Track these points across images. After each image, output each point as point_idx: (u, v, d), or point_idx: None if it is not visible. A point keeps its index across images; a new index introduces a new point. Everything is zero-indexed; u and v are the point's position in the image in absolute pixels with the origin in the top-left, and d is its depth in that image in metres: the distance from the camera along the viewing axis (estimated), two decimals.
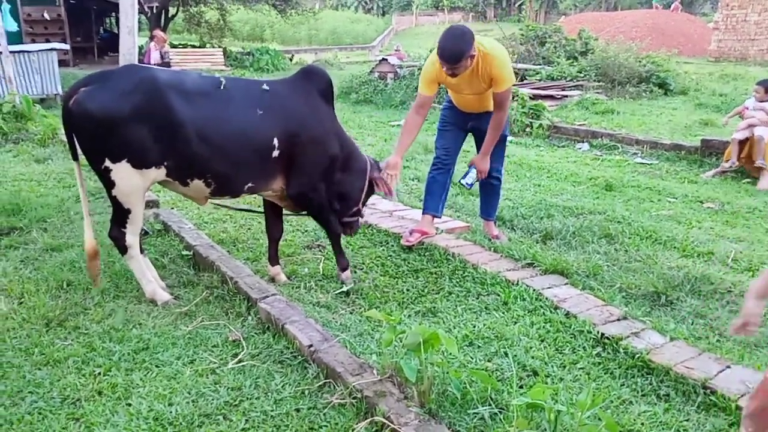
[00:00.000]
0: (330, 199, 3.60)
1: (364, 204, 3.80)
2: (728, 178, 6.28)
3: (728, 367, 2.72)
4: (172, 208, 4.78)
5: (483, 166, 4.04)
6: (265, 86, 3.31)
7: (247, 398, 2.45)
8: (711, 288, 3.53)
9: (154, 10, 20.95)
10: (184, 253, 3.84)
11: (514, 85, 10.95)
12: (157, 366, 2.67)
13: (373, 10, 50.41)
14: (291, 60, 21.92)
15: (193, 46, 21.57)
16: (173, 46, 20.14)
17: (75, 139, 3.02)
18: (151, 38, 15.57)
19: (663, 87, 11.58)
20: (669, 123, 8.87)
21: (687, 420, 2.43)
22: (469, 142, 4.35)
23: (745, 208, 5.19)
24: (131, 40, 4.21)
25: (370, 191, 3.81)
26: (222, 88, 3.17)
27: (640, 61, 11.89)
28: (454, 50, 3.50)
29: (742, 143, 6.25)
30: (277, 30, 34.55)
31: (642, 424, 2.40)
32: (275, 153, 3.23)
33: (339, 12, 44.12)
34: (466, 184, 4.11)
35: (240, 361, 2.71)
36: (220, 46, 21.02)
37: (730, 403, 2.47)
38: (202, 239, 3.90)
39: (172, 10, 22.10)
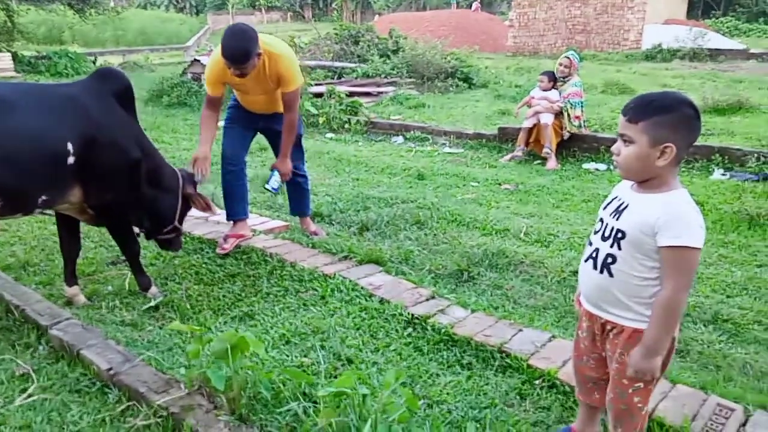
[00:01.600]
0: (139, 216, 3.38)
1: (181, 220, 3.62)
2: (522, 161, 6.95)
3: (520, 330, 3.00)
4: None
5: (285, 169, 4.01)
6: (55, 89, 3.01)
7: None
8: (506, 261, 3.89)
9: None
10: None
11: (331, 83, 11.21)
12: None
13: (186, 9, 48.22)
14: (94, 63, 20.13)
15: None
16: None
17: None
18: None
19: (467, 81, 12.49)
20: (473, 114, 9.60)
21: (486, 384, 2.64)
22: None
23: (536, 187, 5.79)
24: None
25: (186, 207, 3.63)
26: (2, 92, 2.84)
27: (445, 58, 12.70)
28: (240, 50, 3.43)
29: (530, 129, 6.95)
30: (78, 31, 31.52)
31: (447, 393, 2.57)
32: (70, 159, 2.94)
33: (148, 11, 41.54)
34: (272, 188, 4.07)
35: (29, 395, 2.44)
36: (9, 51, 18.73)
37: (522, 363, 2.72)
38: None
39: None
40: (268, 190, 4.11)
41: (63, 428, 2.26)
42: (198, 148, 3.77)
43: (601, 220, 1.94)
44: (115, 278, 3.68)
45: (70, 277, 3.33)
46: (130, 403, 2.36)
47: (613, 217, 1.88)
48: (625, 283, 1.84)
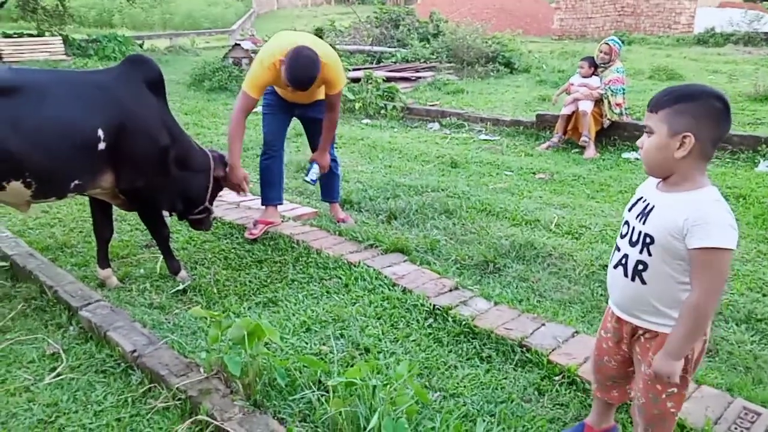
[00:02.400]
0: (170, 199, 3.46)
1: (211, 201, 3.70)
2: (560, 150, 6.80)
3: (543, 325, 2.96)
4: None
5: (324, 162, 4.10)
6: (88, 76, 3.10)
7: (64, 413, 2.31)
8: (534, 253, 3.83)
9: None
10: (0, 264, 3.52)
11: (369, 68, 11.17)
12: None
13: None
14: (141, 46, 20.58)
15: (30, 35, 19.63)
16: (6, 36, 18.26)
17: None
18: None
19: (508, 66, 12.27)
20: (512, 100, 9.43)
21: (505, 378, 2.62)
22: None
23: (571, 177, 5.66)
24: None
25: (217, 188, 3.70)
26: (35, 79, 2.94)
27: (486, 42, 12.49)
28: (307, 79, 3.52)
29: (569, 117, 6.79)
30: (127, 15, 32.25)
31: (465, 386, 2.56)
32: (101, 146, 3.03)
33: None
34: (311, 180, 4.17)
35: (58, 375, 2.55)
36: (60, 35, 19.30)
37: (542, 358, 2.69)
38: (20, 248, 3.60)
39: None
40: (307, 182, 4.21)
41: (87, 408, 2.34)
42: (232, 167, 3.67)
43: (627, 223, 1.86)
44: (148, 261, 3.78)
45: (103, 260, 3.44)
46: (152, 385, 2.43)
47: (640, 220, 1.79)
48: (659, 291, 1.76)
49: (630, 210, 1.87)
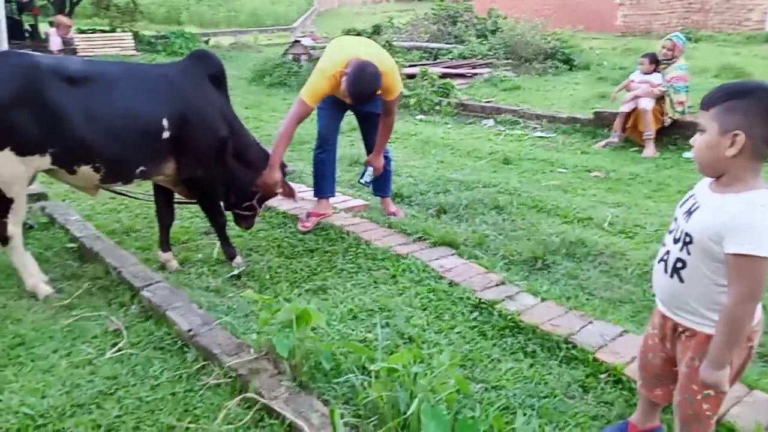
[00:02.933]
0: (228, 189, 3.61)
1: (260, 203, 3.81)
2: (617, 148, 6.65)
3: (590, 322, 2.93)
4: (63, 200, 4.63)
5: (378, 164, 4.19)
6: (155, 69, 3.28)
7: (123, 386, 2.45)
8: (585, 250, 3.78)
9: None
10: (69, 245, 3.75)
11: (425, 64, 11.18)
12: (32, 360, 2.62)
13: None
14: (207, 43, 21.22)
15: (103, 31, 20.56)
16: (81, 32, 19.18)
17: None
18: (54, 24, 14.79)
19: (568, 62, 12.03)
20: (570, 97, 9.26)
21: (549, 373, 2.61)
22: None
23: (628, 175, 5.54)
24: None
25: (270, 193, 3.83)
26: (106, 71, 3.14)
27: (545, 38, 12.28)
28: (369, 94, 3.62)
29: (628, 115, 6.62)
30: (195, 12, 33.39)
31: (507, 380, 2.56)
32: (165, 135, 3.21)
33: None
34: (365, 182, 4.27)
35: (119, 350, 2.70)
36: (131, 31, 20.14)
37: (588, 356, 2.67)
38: (88, 230, 3.82)
39: None
40: (362, 183, 4.32)
41: (144, 381, 2.48)
42: (271, 172, 3.68)
43: (676, 219, 1.84)
44: (206, 247, 3.94)
45: (164, 244, 3.62)
46: (205, 363, 2.56)
47: (685, 217, 1.77)
48: (696, 290, 1.74)
49: (681, 206, 1.85)
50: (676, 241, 1.78)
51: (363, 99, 3.65)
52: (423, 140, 7.04)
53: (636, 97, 6.53)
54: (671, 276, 1.79)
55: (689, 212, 1.76)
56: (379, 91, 3.79)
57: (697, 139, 1.74)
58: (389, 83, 3.77)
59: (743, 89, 1.65)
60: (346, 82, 3.58)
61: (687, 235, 1.73)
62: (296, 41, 13.01)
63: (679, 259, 1.76)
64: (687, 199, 1.84)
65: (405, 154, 6.40)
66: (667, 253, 1.82)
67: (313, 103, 3.76)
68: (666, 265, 1.81)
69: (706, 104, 1.69)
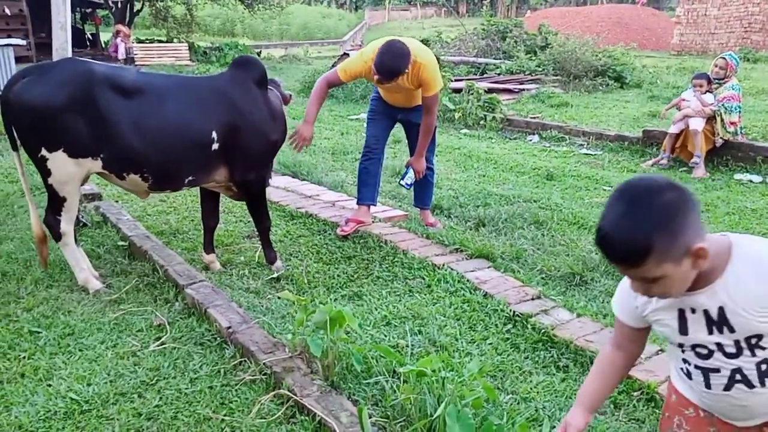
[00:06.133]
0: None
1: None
2: (666, 168, 6.52)
3: None
4: (117, 201, 4.85)
5: (419, 167, 4.22)
6: (203, 81, 3.40)
7: (164, 378, 2.57)
8: None
9: (119, 5, 20.78)
10: (120, 243, 3.93)
11: (472, 78, 11.21)
12: (80, 350, 2.77)
13: (346, 5, 50.40)
14: (259, 55, 21.85)
15: (160, 41, 21.40)
16: (140, 41, 20.02)
17: (13, 130, 3.11)
18: (116, 33, 15.51)
19: (619, 80, 11.86)
20: (619, 115, 9.12)
21: None
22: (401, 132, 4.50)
23: None
24: (64, 35, 4.30)
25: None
26: (158, 83, 3.27)
27: (596, 55, 12.15)
28: (392, 68, 3.65)
29: (677, 135, 6.49)
30: (248, 25, 34.43)
31: (537, 392, 2.57)
32: (215, 146, 3.32)
33: (311, 7, 43.99)
34: (405, 184, 4.31)
35: (162, 343, 2.83)
36: (187, 41, 20.89)
37: None
38: (138, 230, 3.99)
39: (137, 5, 21.93)
40: (402, 185, 4.36)
41: (184, 374, 2.59)
42: (303, 123, 3.90)
43: (699, 345, 1.50)
44: (248, 250, 4.07)
45: (208, 246, 3.75)
46: (242, 359, 2.65)
47: (719, 331, 1.45)
48: None
49: (687, 334, 1.50)
50: (734, 355, 1.47)
51: (386, 72, 3.65)
52: (466, 154, 7.06)
53: (686, 117, 6.40)
54: (763, 384, 1.48)
55: (715, 323, 1.45)
56: (420, 87, 3.86)
57: (665, 286, 1.39)
58: (427, 77, 3.82)
59: (645, 232, 1.31)
60: (375, 56, 3.67)
61: (748, 339, 1.45)
62: (344, 54, 13.21)
63: (762, 362, 1.46)
64: (685, 324, 1.49)
65: (447, 167, 6.43)
66: (737, 371, 1.49)
67: (344, 77, 3.93)
68: (748, 381, 1.49)
69: (632, 264, 1.35)
